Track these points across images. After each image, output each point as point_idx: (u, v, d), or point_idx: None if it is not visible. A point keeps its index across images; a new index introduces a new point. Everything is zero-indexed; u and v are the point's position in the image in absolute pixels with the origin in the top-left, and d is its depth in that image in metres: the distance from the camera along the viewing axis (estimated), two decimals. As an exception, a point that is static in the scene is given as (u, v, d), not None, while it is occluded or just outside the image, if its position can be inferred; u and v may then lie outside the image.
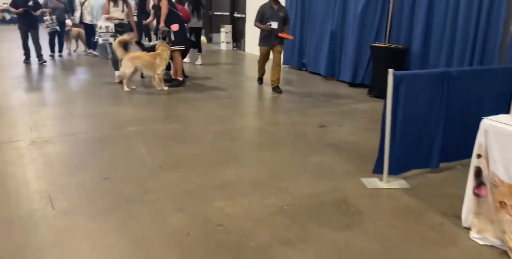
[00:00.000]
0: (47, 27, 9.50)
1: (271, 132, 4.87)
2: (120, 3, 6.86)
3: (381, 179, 3.52)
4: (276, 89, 6.79)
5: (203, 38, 14.02)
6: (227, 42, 12.84)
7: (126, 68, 6.56)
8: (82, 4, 10.07)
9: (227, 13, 13.28)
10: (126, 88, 6.64)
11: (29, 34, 8.86)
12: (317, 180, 3.56)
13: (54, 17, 9.47)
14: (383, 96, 6.62)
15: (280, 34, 6.59)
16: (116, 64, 7.09)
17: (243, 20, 12.32)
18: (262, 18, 6.61)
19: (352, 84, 7.43)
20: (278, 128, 4.99)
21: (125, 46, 6.75)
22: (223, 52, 12.45)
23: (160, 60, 6.62)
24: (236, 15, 12.84)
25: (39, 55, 9.07)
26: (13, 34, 14.40)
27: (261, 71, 7.21)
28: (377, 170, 3.56)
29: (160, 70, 6.65)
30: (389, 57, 6.34)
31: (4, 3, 23.13)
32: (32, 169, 3.62)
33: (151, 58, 6.63)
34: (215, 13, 14.22)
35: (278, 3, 6.67)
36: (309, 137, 4.65)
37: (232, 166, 3.80)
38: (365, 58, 7.27)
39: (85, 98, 6.17)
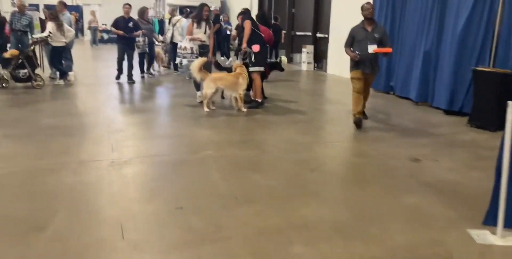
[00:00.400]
0: (138, 48, 9.76)
1: (356, 165, 4.42)
2: (203, 24, 6.90)
3: (494, 233, 2.92)
4: (358, 121, 5.62)
5: (284, 58, 13.95)
6: (308, 63, 12.57)
7: (207, 88, 6.52)
8: (173, 25, 10.47)
9: (309, 33, 13.06)
10: (205, 109, 6.59)
11: (126, 54, 9.29)
12: (413, 227, 3.04)
13: (146, 38, 9.72)
14: (487, 127, 5.92)
15: (376, 50, 5.57)
16: (198, 85, 7.11)
17: (325, 40, 12.00)
18: (353, 41, 5.77)
19: (448, 112, 6.69)
20: (364, 161, 4.52)
21: (206, 66, 6.75)
22: (304, 72, 12.18)
23: (243, 79, 6.52)
24: (318, 35, 12.56)
25: (130, 75, 9.39)
26: (109, 52, 15.53)
27: (358, 104, 5.70)
28: (489, 221, 2.97)
29: (242, 89, 6.54)
30: (496, 83, 5.59)
31: (103, 24, 25.23)
32: (107, 192, 3.55)
33: (234, 78, 6.54)
34: (297, 33, 14.08)
35: (373, 22, 5.74)
36: (400, 172, 4.13)
37: (312, 203, 3.42)
38: (464, 82, 6.51)
39: (166, 117, 6.20)
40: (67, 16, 9.24)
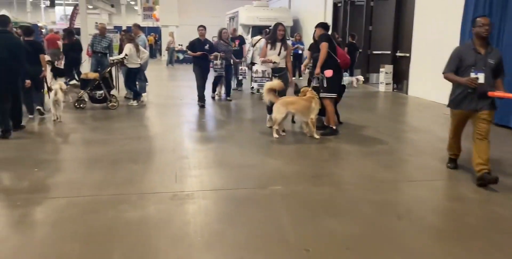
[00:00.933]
0: (215, 71, 9.27)
1: (454, 212, 3.69)
2: (278, 45, 6.54)
3: None
4: (487, 178, 4.10)
5: (360, 78, 13.21)
6: (386, 84, 11.75)
7: (278, 113, 6.11)
8: (253, 45, 10.27)
9: (388, 52, 12.26)
10: (275, 135, 6.17)
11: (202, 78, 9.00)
12: None
13: (224, 61, 9.22)
14: None
15: (491, 93, 4.18)
16: (270, 108, 6.72)
17: (406, 59, 11.14)
18: (460, 66, 4.35)
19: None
20: (463, 207, 3.77)
21: (281, 91, 6.37)
22: (382, 94, 11.38)
23: (315, 104, 6.03)
24: (398, 54, 11.74)
25: (202, 97, 9.00)
26: (184, 72, 15.90)
27: (455, 147, 4.74)
28: None
29: (314, 114, 6.05)
30: None
31: (179, 44, 26.19)
32: (166, 233, 3.20)
33: (307, 102, 6.08)
34: (374, 52, 13.33)
35: (487, 43, 4.33)
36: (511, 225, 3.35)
37: (402, 264, 2.79)
38: None
39: (234, 143, 5.86)
40: (142, 38, 9.45)
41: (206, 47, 8.93)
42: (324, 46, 6.12)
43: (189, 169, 4.72)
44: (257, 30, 12.48)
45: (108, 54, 10.27)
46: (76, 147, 5.79)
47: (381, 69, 11.98)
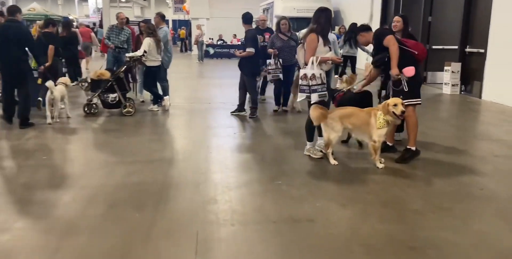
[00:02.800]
0: (269, 73, 7.28)
1: None
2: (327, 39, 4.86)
3: None
4: None
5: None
6: (452, 85, 9.84)
7: (332, 132, 4.48)
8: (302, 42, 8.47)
9: (454, 47, 10.32)
10: (332, 161, 4.55)
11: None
12: None
13: (280, 61, 7.18)
14: None
15: None
16: (312, 131, 4.88)
17: (480, 56, 9.20)
18: None
19: None
20: None
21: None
22: (447, 98, 9.49)
23: (375, 118, 4.35)
24: (468, 49, 9.80)
25: (242, 104, 7.22)
26: (215, 68, 14.44)
27: None
28: None
29: (377, 135, 4.37)
30: None
31: (210, 38, 24.74)
32: None
33: (367, 115, 4.42)
34: (434, 46, 11.39)
35: None
36: None
37: None
38: None
39: (277, 176, 4.27)
40: (164, 30, 7.91)
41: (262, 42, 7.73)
42: (391, 40, 4.48)
43: (218, 226, 3.15)
44: (304, 22, 10.06)
45: (127, 50, 8.87)
46: (66, 182, 4.35)
47: (445, 67, 10.05)
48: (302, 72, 4.66)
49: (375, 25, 15.17)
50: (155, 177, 4.16)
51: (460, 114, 7.99)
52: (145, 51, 7.33)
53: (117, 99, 7.22)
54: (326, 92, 4.64)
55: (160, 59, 7.62)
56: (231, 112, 7.23)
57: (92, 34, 15.13)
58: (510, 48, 8.26)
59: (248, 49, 6.85)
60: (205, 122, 6.84)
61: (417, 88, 4.69)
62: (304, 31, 9.17)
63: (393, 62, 4.52)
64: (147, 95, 8.17)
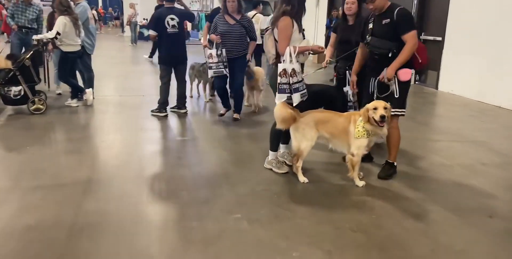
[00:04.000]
0: (210, 68, 5.56)
1: None
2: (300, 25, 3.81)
3: None
4: None
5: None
6: (408, 74, 9.28)
7: (303, 140, 3.52)
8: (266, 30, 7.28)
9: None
10: (302, 178, 3.60)
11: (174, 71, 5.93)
12: None
13: (223, 51, 5.46)
14: None
15: None
16: (278, 136, 3.88)
17: (438, 44, 8.68)
18: None
19: None
20: None
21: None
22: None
23: (355, 125, 3.45)
24: (425, 37, 9.25)
25: (181, 101, 6.06)
26: (146, 52, 12.86)
27: None
28: None
29: (356, 146, 3.46)
30: None
31: (144, 19, 22.75)
32: None
33: (346, 121, 3.50)
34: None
35: None
36: None
37: None
38: None
39: (234, 203, 3.25)
40: (82, 6, 6.38)
41: (173, 23, 5.68)
42: (415, 37, 3.48)
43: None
44: (249, 2, 8.66)
45: (37, 30, 7.26)
46: None
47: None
48: (280, 67, 3.56)
49: (323, 9, 14.37)
50: (62, 215, 2.94)
51: (422, 108, 7.38)
52: (58, 33, 5.87)
53: (22, 93, 5.74)
54: (305, 90, 3.64)
55: (80, 43, 6.19)
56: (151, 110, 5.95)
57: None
58: (469, 36, 7.78)
59: (149, 31, 5.99)
60: (138, 122, 5.57)
61: (406, 95, 3.81)
62: (251, 13, 8.16)
63: (397, 63, 3.49)
64: (66, 86, 6.68)
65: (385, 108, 3.29)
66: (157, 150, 4.45)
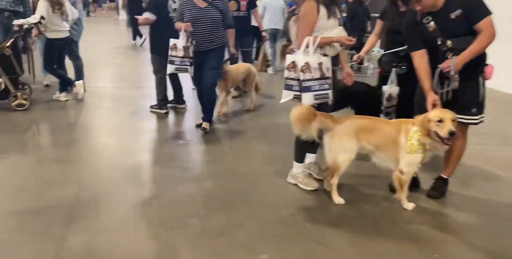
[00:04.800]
0: (171, 62, 4.32)
1: None
2: (337, 10, 3.10)
3: None
4: None
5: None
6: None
7: (341, 151, 2.86)
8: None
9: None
10: (337, 199, 2.95)
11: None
12: None
13: (192, 42, 4.27)
14: None
15: None
16: (304, 146, 3.16)
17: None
18: None
19: None
20: None
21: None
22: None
23: (407, 135, 2.76)
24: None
25: (179, 95, 5.36)
26: (144, 37, 12.03)
27: None
28: None
29: (407, 162, 2.78)
30: None
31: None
32: None
33: (395, 131, 2.83)
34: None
35: None
36: None
37: None
38: None
39: (256, 237, 2.62)
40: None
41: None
42: (490, 25, 2.69)
43: None
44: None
45: (24, 14, 6.46)
46: None
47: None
48: (289, 58, 2.91)
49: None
50: (40, 255, 2.29)
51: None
52: (42, 17, 5.12)
53: (3, 86, 5.02)
54: (328, 92, 2.96)
55: (67, 29, 5.44)
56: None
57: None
58: (507, 22, 7.03)
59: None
60: (134, 120, 4.87)
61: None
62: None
63: (470, 53, 2.66)
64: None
65: (453, 120, 2.61)
66: (157, 159, 3.78)
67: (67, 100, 5.57)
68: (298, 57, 2.85)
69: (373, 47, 3.96)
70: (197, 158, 3.82)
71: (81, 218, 2.68)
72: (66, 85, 5.64)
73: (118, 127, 4.64)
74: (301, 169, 3.23)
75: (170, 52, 4.27)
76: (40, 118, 4.86)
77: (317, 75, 2.85)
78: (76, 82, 5.64)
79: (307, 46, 2.83)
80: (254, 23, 6.28)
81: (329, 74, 2.95)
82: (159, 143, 4.21)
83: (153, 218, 2.74)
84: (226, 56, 4.79)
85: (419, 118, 2.71)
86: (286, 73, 2.94)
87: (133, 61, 9.11)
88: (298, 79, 2.86)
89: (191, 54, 4.28)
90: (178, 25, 4.30)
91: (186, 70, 4.37)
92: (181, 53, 4.25)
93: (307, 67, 2.80)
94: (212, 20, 4.26)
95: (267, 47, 5.62)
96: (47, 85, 6.27)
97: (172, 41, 4.27)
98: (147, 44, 11.22)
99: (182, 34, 4.22)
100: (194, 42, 4.24)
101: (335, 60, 3.10)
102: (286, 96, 2.98)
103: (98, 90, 6.22)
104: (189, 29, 4.19)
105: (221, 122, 4.91)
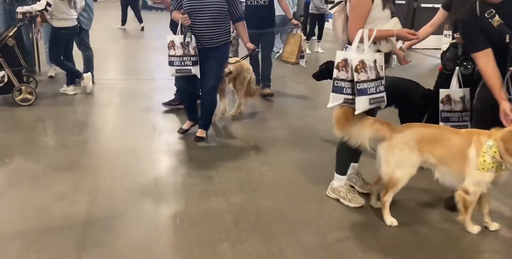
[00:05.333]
0: (171, 63, 3.65)
1: None
2: None
3: None
4: None
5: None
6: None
7: (399, 166, 2.44)
8: None
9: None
10: (389, 219, 2.54)
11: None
12: None
13: (192, 37, 3.56)
14: None
15: None
16: (346, 153, 2.77)
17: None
18: None
19: None
20: None
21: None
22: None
23: (479, 150, 2.31)
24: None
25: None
26: (152, 25, 11.53)
27: None
28: None
29: (475, 181, 2.34)
30: None
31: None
32: None
33: (463, 142, 2.39)
34: (424, 5, 9.49)
35: None
36: None
37: None
38: None
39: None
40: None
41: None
42: None
43: None
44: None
45: (25, 0, 6.02)
46: None
47: (445, 31, 8.24)
48: (339, 56, 2.47)
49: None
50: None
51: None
52: (48, 4, 4.70)
53: (6, 79, 4.63)
54: (383, 94, 2.52)
55: (75, 17, 5.01)
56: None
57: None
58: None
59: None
60: (148, 118, 4.46)
61: None
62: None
63: None
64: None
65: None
66: (177, 166, 3.38)
67: (75, 94, 5.17)
68: (351, 55, 2.40)
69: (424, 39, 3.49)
70: (221, 165, 3.41)
71: (93, 244, 2.29)
72: (73, 77, 5.23)
73: (132, 126, 4.23)
74: (343, 182, 2.82)
75: (168, 52, 3.61)
76: (46, 115, 4.47)
77: (373, 76, 2.41)
78: (85, 75, 5.23)
79: (360, 41, 2.39)
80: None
81: (383, 73, 2.52)
82: (178, 145, 3.80)
83: (177, 243, 2.35)
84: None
85: (500, 131, 2.27)
86: (335, 73, 2.49)
87: (143, 50, 8.65)
88: (351, 81, 2.42)
89: (191, 52, 3.55)
90: (175, 15, 3.59)
91: (189, 72, 3.61)
92: (179, 52, 3.54)
93: (362, 66, 2.36)
94: (215, 10, 3.52)
95: (302, 35, 5.07)
96: (51, 76, 5.87)
97: (169, 38, 3.59)
98: (147, 32, 10.97)
99: (179, 28, 3.55)
100: (193, 37, 3.54)
101: (387, 56, 2.67)
102: (335, 100, 2.53)
103: (107, 82, 5.81)
104: (187, 22, 3.47)
105: (242, 122, 4.50)
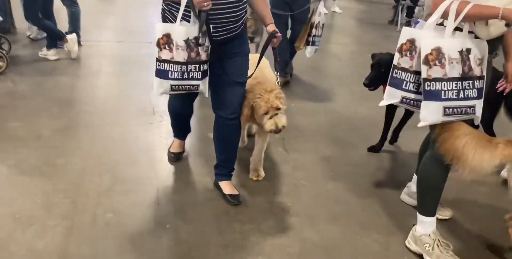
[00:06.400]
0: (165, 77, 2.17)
1: None
2: None
3: None
4: None
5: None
6: None
7: None
8: None
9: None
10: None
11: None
12: None
13: (210, 27, 1.99)
14: None
15: None
16: (433, 187, 1.90)
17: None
18: None
19: None
20: None
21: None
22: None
23: None
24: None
25: None
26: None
27: None
28: None
29: None
30: None
31: None
32: None
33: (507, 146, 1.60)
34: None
35: None
36: None
37: None
38: None
39: None
40: None
41: None
42: None
43: None
44: None
45: None
46: None
47: None
48: (405, 34, 1.61)
49: None
50: None
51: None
52: None
53: (-32, 42, 3.72)
54: (474, 103, 1.67)
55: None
56: None
57: None
58: None
59: None
60: (147, 95, 3.60)
61: None
62: None
63: None
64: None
65: None
66: (188, 169, 2.58)
67: (57, 59, 4.27)
68: (422, 35, 1.56)
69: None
70: (242, 167, 2.62)
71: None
72: (55, 39, 4.30)
73: (126, 107, 3.38)
74: (431, 230, 1.94)
75: (157, 53, 2.03)
76: (21, 89, 3.59)
77: (455, 73, 1.58)
78: (68, 36, 4.29)
79: (444, 17, 1.52)
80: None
81: (480, 71, 1.65)
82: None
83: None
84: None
85: None
86: (396, 58, 1.68)
87: (142, 5, 7.55)
88: (416, 72, 1.61)
89: (203, 56, 2.02)
90: None
91: (194, 88, 2.09)
92: (181, 55, 1.99)
93: (437, 56, 1.52)
94: None
95: (317, 12, 3.61)
96: (29, 36, 4.91)
97: (161, 29, 1.99)
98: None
99: (193, 18, 1.97)
100: (211, 26, 1.99)
101: (494, 45, 1.78)
102: (390, 97, 1.74)
103: (97, 45, 4.87)
104: (208, 5, 1.87)
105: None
